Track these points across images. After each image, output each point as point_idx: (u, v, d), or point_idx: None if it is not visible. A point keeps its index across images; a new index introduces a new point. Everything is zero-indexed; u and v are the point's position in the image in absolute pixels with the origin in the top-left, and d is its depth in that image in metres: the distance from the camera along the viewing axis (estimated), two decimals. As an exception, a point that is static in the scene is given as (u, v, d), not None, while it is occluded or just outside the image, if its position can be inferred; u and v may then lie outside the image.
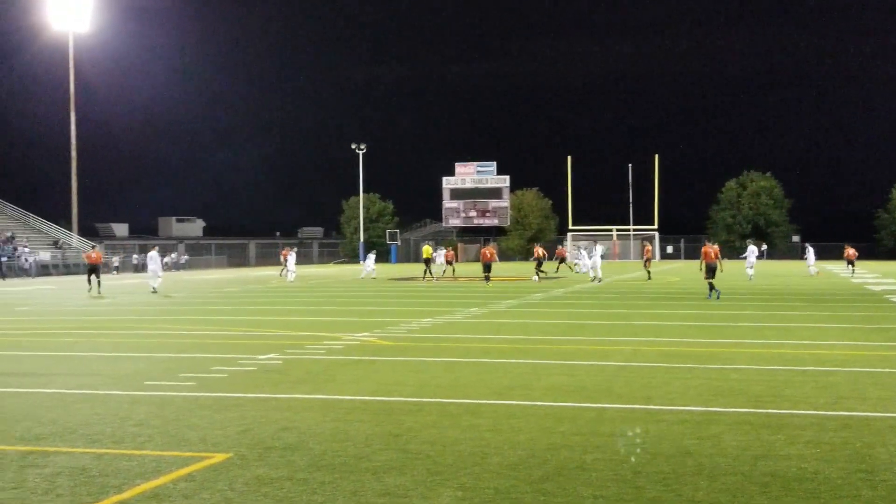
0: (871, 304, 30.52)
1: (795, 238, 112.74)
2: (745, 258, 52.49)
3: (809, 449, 9.14)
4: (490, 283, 44.92)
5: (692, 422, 10.48)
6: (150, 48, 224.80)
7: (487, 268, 45.85)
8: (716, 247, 33.75)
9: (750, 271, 49.37)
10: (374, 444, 9.46)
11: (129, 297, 39.75)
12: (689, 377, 13.88)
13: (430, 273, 53.44)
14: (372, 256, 58.94)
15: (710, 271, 32.60)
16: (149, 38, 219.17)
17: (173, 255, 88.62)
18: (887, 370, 14.71)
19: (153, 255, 42.38)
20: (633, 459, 8.72)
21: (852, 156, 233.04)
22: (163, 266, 42.82)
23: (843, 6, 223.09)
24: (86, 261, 47.35)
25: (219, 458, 8.92)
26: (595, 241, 73.42)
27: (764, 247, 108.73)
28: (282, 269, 57.96)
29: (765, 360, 15.72)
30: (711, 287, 32.62)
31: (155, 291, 40.67)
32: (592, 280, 47.52)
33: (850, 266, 55.23)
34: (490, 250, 47.19)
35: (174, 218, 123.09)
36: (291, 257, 55.47)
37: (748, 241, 60.06)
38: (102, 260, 52.78)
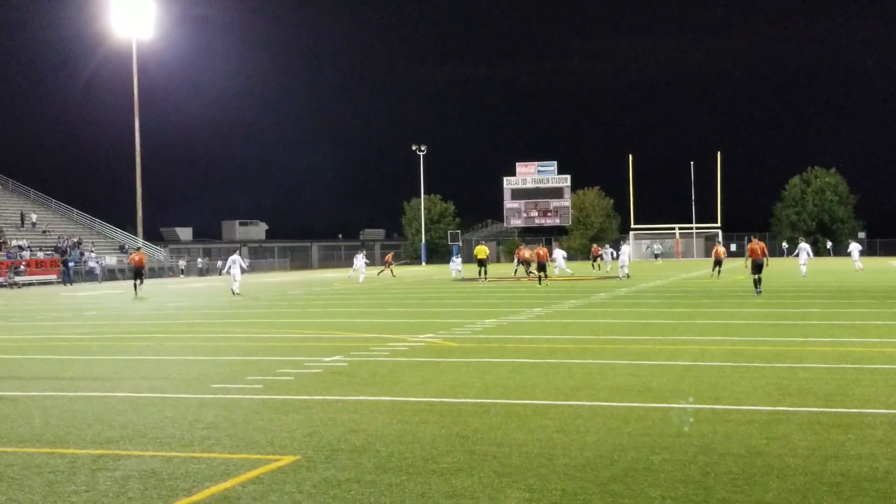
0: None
1: (861, 234, 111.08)
2: (797, 255, 52.27)
3: (881, 448, 8.99)
4: (546, 283, 44.80)
5: (761, 421, 10.36)
6: (211, 54, 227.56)
7: (541, 267, 45.70)
8: (762, 244, 33.69)
9: (803, 268, 49.03)
10: (441, 445, 9.46)
11: (195, 300, 40.21)
12: (758, 376, 13.73)
13: (486, 274, 53.18)
14: (458, 259, 59.28)
15: (757, 268, 32.57)
16: (210, 44, 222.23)
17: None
18: (960, 368, 14.45)
19: (235, 258, 42.80)
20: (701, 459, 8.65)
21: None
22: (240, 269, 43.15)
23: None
24: (130, 263, 47.97)
25: (286, 460, 8.97)
26: (624, 241, 74.29)
27: (829, 244, 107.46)
28: (381, 270, 58.38)
29: (834, 359, 15.50)
30: (756, 284, 32.88)
31: (238, 294, 41.20)
32: (622, 277, 50.98)
33: None
34: (544, 250, 47.09)
35: (237, 221, 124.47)
36: (361, 259, 55.99)
37: (800, 238, 59.77)
38: (146, 263, 53.52)
